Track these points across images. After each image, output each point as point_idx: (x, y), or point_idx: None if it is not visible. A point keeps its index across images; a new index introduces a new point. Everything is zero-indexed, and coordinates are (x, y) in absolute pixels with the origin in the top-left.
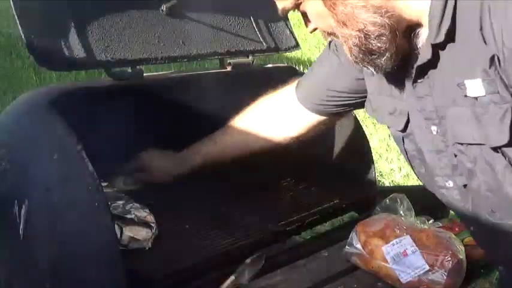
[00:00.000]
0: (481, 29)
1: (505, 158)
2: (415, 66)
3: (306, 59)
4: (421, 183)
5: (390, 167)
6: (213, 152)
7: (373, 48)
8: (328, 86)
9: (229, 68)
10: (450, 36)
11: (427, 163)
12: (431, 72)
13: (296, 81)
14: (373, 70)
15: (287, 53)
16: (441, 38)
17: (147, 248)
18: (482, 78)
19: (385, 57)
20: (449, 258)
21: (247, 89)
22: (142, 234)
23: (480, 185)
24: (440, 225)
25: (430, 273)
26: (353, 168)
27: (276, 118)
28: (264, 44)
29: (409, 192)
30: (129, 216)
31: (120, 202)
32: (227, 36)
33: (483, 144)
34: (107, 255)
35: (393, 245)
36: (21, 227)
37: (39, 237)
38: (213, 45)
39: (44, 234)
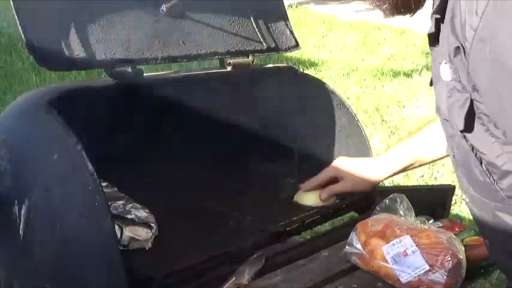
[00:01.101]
0: (452, 17)
1: (467, 142)
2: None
3: (306, 59)
4: (421, 183)
5: None
6: (422, 153)
7: None
8: None
9: (229, 68)
10: (441, 13)
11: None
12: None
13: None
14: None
15: (287, 53)
16: (437, 12)
17: (147, 248)
18: (449, 64)
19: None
20: (449, 258)
21: (247, 89)
22: (142, 234)
23: (458, 159)
24: (440, 225)
25: (430, 273)
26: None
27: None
28: (264, 44)
29: (409, 192)
30: (129, 216)
31: (120, 202)
32: (227, 36)
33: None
34: (107, 255)
35: (393, 245)
36: (21, 227)
37: (39, 237)
38: (213, 45)
39: (44, 234)
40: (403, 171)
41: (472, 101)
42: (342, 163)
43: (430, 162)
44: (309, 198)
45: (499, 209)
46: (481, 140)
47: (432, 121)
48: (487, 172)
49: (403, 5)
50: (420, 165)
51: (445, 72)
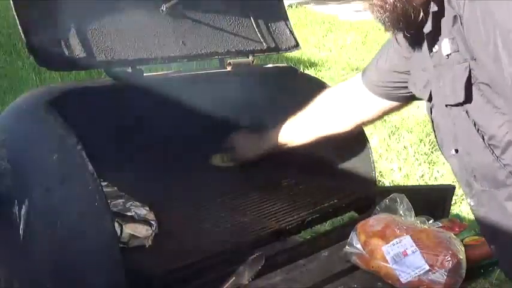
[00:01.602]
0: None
1: (469, 117)
2: (424, 34)
3: (306, 59)
4: (421, 183)
5: (390, 167)
6: (288, 135)
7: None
8: (391, 67)
9: (229, 68)
10: (441, 7)
11: (441, 131)
12: (440, 40)
13: (361, 71)
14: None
15: (287, 53)
16: (435, 8)
17: (147, 246)
18: (448, 37)
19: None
20: (449, 258)
21: (247, 89)
22: (142, 231)
23: (462, 148)
24: (440, 225)
25: (430, 273)
26: (353, 168)
27: (345, 105)
28: (264, 44)
29: (409, 192)
30: (129, 213)
31: (121, 200)
32: (227, 36)
33: (460, 105)
34: (107, 255)
35: (393, 245)
36: (21, 227)
37: (39, 237)
38: (213, 45)
39: (44, 234)
40: (276, 150)
41: (470, 71)
42: (237, 135)
43: (299, 145)
44: (216, 159)
45: (506, 197)
46: (482, 112)
47: (301, 112)
48: (489, 149)
49: (403, 13)
50: (291, 147)
51: (445, 46)
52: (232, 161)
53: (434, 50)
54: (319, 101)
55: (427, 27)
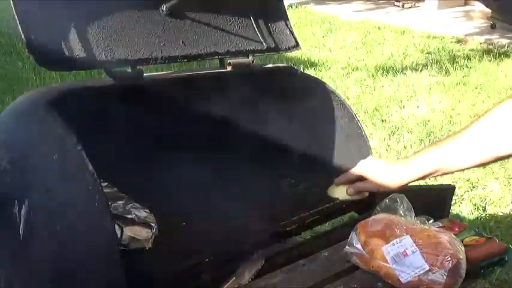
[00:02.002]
0: None
1: None
2: None
3: (306, 59)
4: (421, 183)
5: None
6: (451, 158)
7: None
8: None
9: (229, 68)
10: None
11: None
12: None
13: None
14: None
15: (287, 53)
16: None
17: (148, 248)
18: None
19: None
20: (449, 258)
21: (247, 89)
22: (142, 234)
23: None
24: (440, 225)
25: (430, 273)
26: (353, 168)
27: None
28: (264, 44)
29: (409, 192)
30: (129, 216)
31: (120, 202)
32: (227, 36)
33: None
34: (107, 255)
35: (393, 245)
36: (21, 227)
37: (39, 237)
38: (213, 45)
39: (44, 234)
40: (425, 178)
41: None
42: (368, 163)
43: (456, 171)
44: (337, 192)
45: None
46: None
47: (464, 129)
48: None
49: None
50: (444, 174)
51: None
52: (359, 192)
53: None
54: (491, 119)
55: None
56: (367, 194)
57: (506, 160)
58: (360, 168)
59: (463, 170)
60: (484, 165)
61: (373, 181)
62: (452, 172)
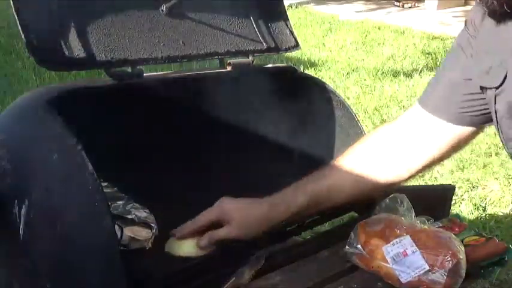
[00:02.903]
0: None
1: None
2: None
3: (306, 59)
4: (421, 183)
5: None
6: (323, 190)
7: None
8: (463, 74)
9: (229, 68)
10: None
11: None
12: None
13: (415, 103)
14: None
15: (287, 53)
16: None
17: (147, 248)
18: None
19: None
20: (449, 258)
21: (247, 89)
22: (142, 234)
23: None
24: (440, 225)
25: (430, 273)
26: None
27: (407, 141)
28: (264, 44)
29: (409, 192)
30: (129, 216)
31: (120, 202)
32: (227, 36)
33: None
34: (107, 255)
35: (393, 245)
36: (21, 227)
37: (39, 237)
38: (213, 45)
39: (44, 234)
40: (303, 212)
41: None
42: (227, 204)
43: (334, 204)
44: (184, 247)
45: None
46: None
47: (334, 162)
48: None
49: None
50: (323, 208)
51: None
52: (216, 242)
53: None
54: (369, 144)
55: None
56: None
57: (504, 160)
58: (217, 211)
59: (341, 204)
60: (363, 197)
61: (235, 225)
62: (330, 206)
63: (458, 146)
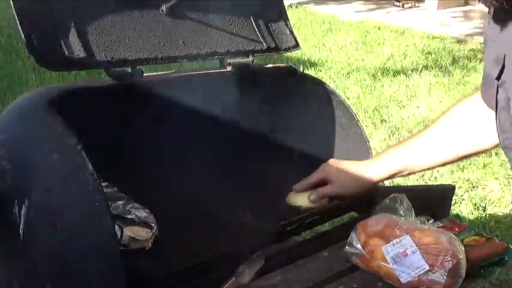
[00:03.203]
0: None
1: None
2: None
3: (306, 59)
4: (421, 183)
5: None
6: (415, 158)
7: None
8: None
9: (229, 68)
10: None
11: (510, 114)
12: None
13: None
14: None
15: (287, 53)
16: None
17: (147, 248)
18: None
19: None
20: (449, 258)
21: (247, 89)
22: (142, 234)
23: None
24: (440, 225)
25: (430, 273)
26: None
27: (480, 123)
28: (264, 44)
29: (409, 192)
30: (129, 216)
31: (120, 202)
32: (227, 36)
33: None
34: (107, 255)
35: (393, 245)
36: (21, 227)
37: (39, 237)
38: (213, 45)
39: (44, 234)
40: (392, 178)
41: None
42: (332, 166)
43: (420, 171)
44: (299, 199)
45: None
46: None
47: (425, 130)
48: None
49: None
50: (409, 174)
51: None
52: (322, 198)
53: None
54: (450, 119)
55: None
56: (327, 201)
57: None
58: (323, 172)
59: (428, 169)
60: (448, 163)
61: (337, 184)
62: (418, 171)
63: None
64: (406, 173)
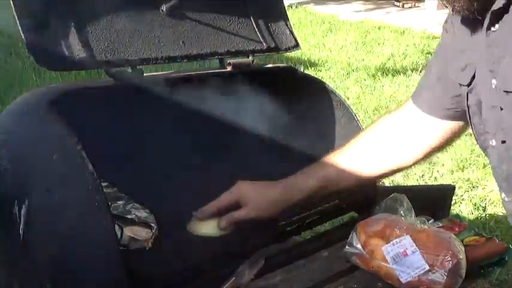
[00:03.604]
0: None
1: None
2: (490, 11)
3: (306, 59)
4: (421, 183)
5: None
6: (332, 174)
7: None
8: (448, 81)
9: (229, 68)
10: None
11: (482, 119)
12: (506, 17)
13: (410, 97)
14: (451, 9)
15: (287, 53)
16: None
17: (147, 248)
18: None
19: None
20: (449, 258)
21: (247, 89)
22: (142, 234)
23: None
24: (440, 225)
25: (430, 273)
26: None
27: (402, 136)
28: (264, 44)
29: (409, 192)
30: (129, 216)
31: (120, 202)
32: (227, 36)
33: None
34: (107, 255)
35: (393, 245)
36: (21, 227)
37: (39, 237)
38: (213, 45)
39: (44, 234)
40: (314, 195)
41: None
42: (247, 187)
43: (344, 187)
44: (205, 227)
45: None
46: None
47: (345, 147)
48: None
49: None
50: (330, 192)
51: None
52: (236, 224)
53: (493, 29)
54: (370, 135)
55: (497, 4)
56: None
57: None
58: (237, 193)
59: (349, 186)
60: (374, 178)
61: (253, 207)
62: (339, 189)
63: (453, 137)
64: (327, 191)
